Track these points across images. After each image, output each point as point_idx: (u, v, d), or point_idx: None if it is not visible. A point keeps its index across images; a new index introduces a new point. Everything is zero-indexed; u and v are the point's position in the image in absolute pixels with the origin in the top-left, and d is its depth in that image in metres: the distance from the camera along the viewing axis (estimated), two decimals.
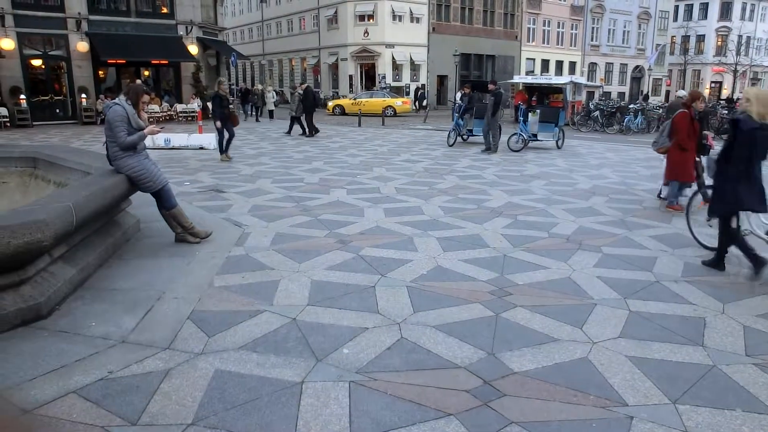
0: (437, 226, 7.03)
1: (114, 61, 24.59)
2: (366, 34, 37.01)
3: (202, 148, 14.94)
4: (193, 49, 26.30)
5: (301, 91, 18.57)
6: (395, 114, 30.87)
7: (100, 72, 25.33)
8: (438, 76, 39.24)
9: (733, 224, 5.45)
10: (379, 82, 36.14)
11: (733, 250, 5.53)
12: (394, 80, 37.20)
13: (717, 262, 5.59)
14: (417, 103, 35.72)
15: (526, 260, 5.72)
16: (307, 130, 18.66)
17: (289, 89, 25.49)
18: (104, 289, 4.79)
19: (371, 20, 36.92)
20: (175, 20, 26.12)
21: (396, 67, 37.57)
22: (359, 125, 23.57)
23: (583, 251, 6.08)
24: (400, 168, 11.94)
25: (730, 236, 5.44)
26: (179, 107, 25.51)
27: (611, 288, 4.99)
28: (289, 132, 19.21)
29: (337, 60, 38.89)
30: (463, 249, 6.04)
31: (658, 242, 6.56)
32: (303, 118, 18.67)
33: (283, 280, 5.04)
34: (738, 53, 54.24)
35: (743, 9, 58.79)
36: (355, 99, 32.36)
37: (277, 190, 9.30)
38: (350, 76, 38.12)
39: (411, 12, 37.18)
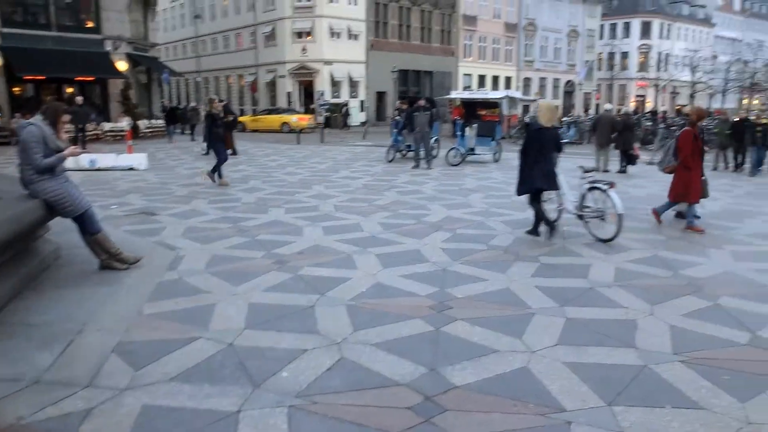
0: (377, 242, 7.03)
1: (31, 77, 23.47)
2: (304, 51, 37.03)
3: (131, 169, 14.45)
4: (122, 65, 25.55)
5: (218, 110, 17.83)
6: (291, 131, 30.83)
7: (15, 89, 24.04)
8: (377, 92, 39.60)
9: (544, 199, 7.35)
10: (317, 99, 36.15)
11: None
12: (332, 97, 37.27)
13: (534, 230, 7.32)
14: (343, 120, 35.50)
15: (465, 273, 5.79)
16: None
17: (204, 107, 24.90)
18: (16, 324, 4.45)
19: (309, 37, 36.99)
20: (102, 35, 25.31)
21: (335, 83, 37.70)
22: (298, 143, 23.44)
23: (521, 262, 6.21)
24: (340, 185, 11.92)
25: (537, 209, 7.21)
26: (107, 126, 24.58)
27: (548, 297, 5.11)
28: (208, 152, 18.34)
29: (275, 77, 38.68)
30: (403, 265, 6.06)
31: (592, 249, 6.78)
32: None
33: (219, 304, 4.90)
34: (658, 69, 57.38)
35: (661, 28, 62.55)
36: (255, 116, 32.42)
37: (213, 211, 9.09)
38: (288, 93, 37.96)
39: (349, 29, 37.48)
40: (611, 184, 7.15)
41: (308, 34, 36.97)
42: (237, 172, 14.18)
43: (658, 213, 8.36)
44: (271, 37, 38.48)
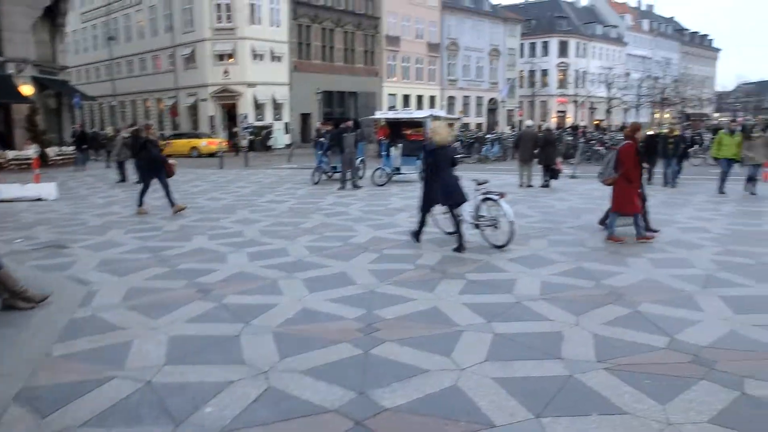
0: (303, 266, 6.96)
1: None
2: (226, 74, 36.55)
3: (39, 200, 13.71)
4: (27, 89, 24.32)
5: (127, 134, 17.28)
6: (200, 155, 30.60)
7: None
8: (301, 114, 39.55)
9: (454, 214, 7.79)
10: (241, 122, 35.70)
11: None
12: (256, 120, 36.91)
13: (459, 246, 7.64)
14: (263, 143, 35.09)
15: (393, 294, 5.82)
16: (125, 177, 17.39)
17: (111, 131, 24.01)
18: None
19: (231, 59, 36.58)
20: (4, 57, 24.07)
21: (258, 106, 37.36)
22: (221, 167, 23.00)
23: (448, 280, 6.31)
24: (265, 209, 11.76)
25: (456, 220, 7.71)
26: (10, 154, 23.23)
27: (476, 313, 5.20)
28: (123, 179, 17.58)
29: (196, 101, 37.92)
30: (330, 288, 6.02)
31: (517, 264, 6.98)
32: (125, 164, 17.20)
33: (137, 339, 4.70)
34: (576, 86, 60.47)
35: (577, 47, 66.05)
36: (164, 140, 31.53)
37: (131, 241, 8.74)
38: (211, 117, 37.30)
39: (272, 51, 37.35)
40: (501, 195, 7.85)
41: (230, 56, 36.56)
42: (157, 199, 13.72)
43: (612, 235, 8.41)
44: (190, 59, 37.79)
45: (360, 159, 16.36)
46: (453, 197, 7.61)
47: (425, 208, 8.00)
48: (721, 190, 13.53)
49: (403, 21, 47.14)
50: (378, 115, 29.37)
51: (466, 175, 18.20)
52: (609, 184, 8.47)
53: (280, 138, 38.11)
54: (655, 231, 8.66)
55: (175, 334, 4.79)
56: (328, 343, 4.55)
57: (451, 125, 7.45)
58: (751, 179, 13.55)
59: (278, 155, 31.83)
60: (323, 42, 40.79)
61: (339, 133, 15.30)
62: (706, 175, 17.49)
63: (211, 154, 29.98)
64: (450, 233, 8.02)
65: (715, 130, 29.44)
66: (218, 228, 9.68)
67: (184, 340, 4.67)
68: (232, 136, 35.93)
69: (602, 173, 8.71)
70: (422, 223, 8.11)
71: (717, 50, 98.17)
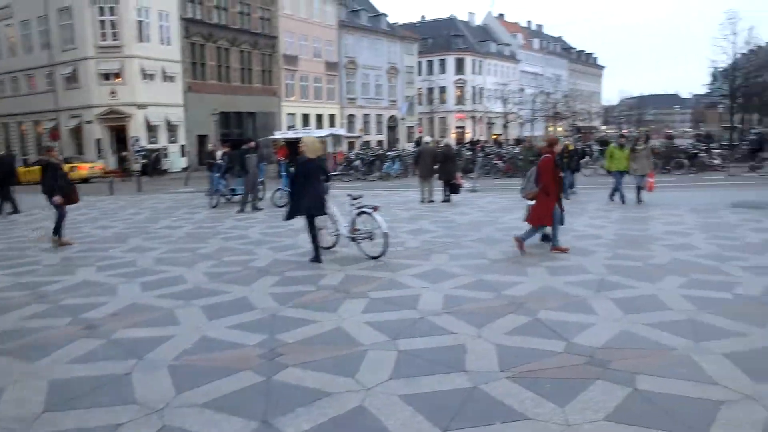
0: (201, 293, 6.72)
1: None
2: (113, 94, 34.91)
3: None
4: None
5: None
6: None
7: None
8: (198, 135, 38.45)
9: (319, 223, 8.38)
10: (132, 146, 34.20)
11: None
12: (149, 143, 35.49)
13: (317, 257, 8.16)
14: (152, 167, 33.65)
15: (295, 317, 5.74)
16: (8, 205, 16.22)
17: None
18: None
19: (118, 79, 35.01)
20: None
21: (151, 128, 35.95)
22: (111, 193, 21.88)
23: (351, 299, 6.31)
24: (160, 236, 11.28)
25: (313, 233, 8.14)
26: None
27: (380, 331, 5.23)
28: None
29: (80, 123, 35.89)
30: (230, 315, 5.85)
31: (420, 280, 7.10)
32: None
33: (10, 387, 4.31)
34: (474, 102, 63.00)
35: (473, 65, 68.87)
36: (27, 166, 29.74)
37: (2, 277, 8.07)
38: (98, 140, 35.43)
39: (164, 71, 36.14)
40: (375, 208, 8.37)
41: (117, 75, 35.00)
42: (36, 230, 12.82)
43: (521, 240, 8.64)
44: (72, 79, 35.78)
45: (260, 180, 16.11)
46: (314, 207, 8.11)
47: (292, 215, 8.36)
48: (622, 200, 14.36)
49: (301, 40, 47.23)
50: (277, 135, 29.16)
51: (373, 193, 18.55)
52: (531, 198, 8.70)
53: (176, 161, 36.84)
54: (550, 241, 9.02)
55: (56, 377, 4.46)
56: (229, 372, 4.41)
57: (321, 142, 7.86)
58: (638, 188, 14.51)
59: (174, 179, 30.72)
60: (219, 61, 40.02)
61: (241, 154, 15.04)
62: (597, 185, 18.66)
63: (84, 180, 28.37)
64: (318, 247, 8.35)
65: (603, 142, 31.61)
66: (108, 258, 9.16)
67: (68, 384, 4.35)
68: (122, 161, 34.31)
69: (524, 188, 9.00)
70: (314, 240, 8.32)
71: (602, 67, 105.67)
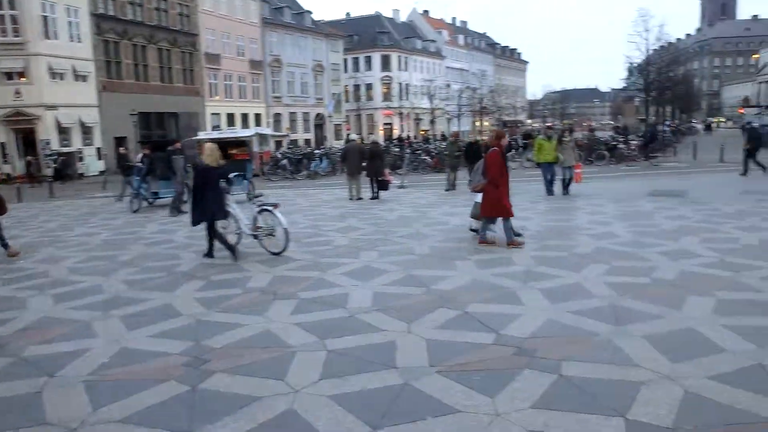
0: (120, 302, 6.45)
1: None
2: (18, 95, 32.96)
3: None
4: None
5: None
6: None
7: None
8: (116, 137, 36.90)
9: (221, 228, 8.71)
10: (42, 149, 32.46)
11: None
12: (62, 145, 33.79)
13: (209, 253, 8.54)
14: (63, 172, 31.89)
15: (222, 321, 5.61)
16: None
17: None
18: None
19: (23, 78, 33.04)
20: None
21: (63, 130, 34.23)
22: (20, 200, 20.70)
23: (281, 300, 6.22)
24: (75, 244, 10.75)
25: (218, 236, 8.48)
26: None
27: (309, 332, 5.18)
28: None
29: None
30: (152, 323, 5.64)
31: (349, 278, 7.08)
32: None
33: None
34: (400, 98, 63.54)
35: (399, 61, 69.41)
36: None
37: None
38: (2, 144, 33.39)
39: (74, 69, 34.43)
40: (275, 205, 8.70)
41: (21, 74, 33.04)
42: None
43: (484, 239, 8.75)
44: None
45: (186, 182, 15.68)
46: (215, 212, 8.40)
47: (197, 221, 8.52)
48: (549, 192, 14.71)
49: (223, 38, 46.20)
50: (201, 135, 28.39)
51: (300, 192, 18.42)
52: (478, 191, 8.78)
53: (92, 164, 35.24)
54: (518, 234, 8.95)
55: None
56: (151, 383, 4.25)
57: (218, 148, 7.99)
58: (563, 180, 14.94)
59: (91, 183, 29.43)
60: (135, 60, 38.56)
61: (167, 156, 14.59)
62: (522, 178, 19.20)
63: None
64: (231, 246, 8.55)
65: (527, 135, 32.56)
66: (17, 270, 8.64)
67: None
68: (29, 165, 32.49)
69: (471, 180, 9.07)
70: (221, 240, 8.54)
71: (525, 62, 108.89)
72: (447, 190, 16.87)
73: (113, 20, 36.73)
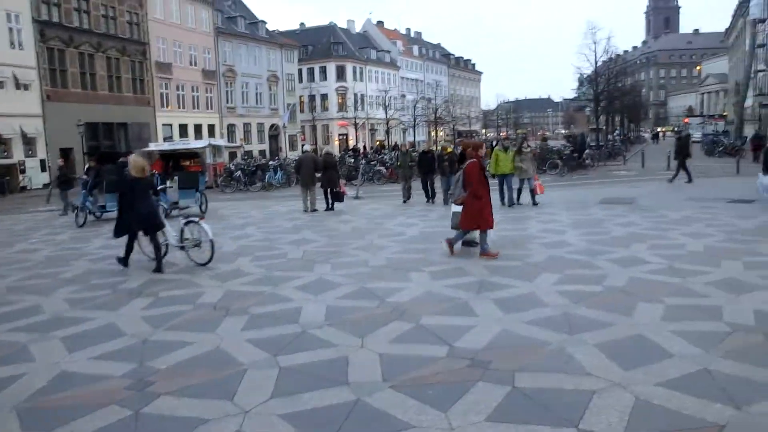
0: (61, 323, 6.18)
1: None
2: None
3: None
4: None
5: None
6: None
7: None
8: (61, 149, 35.76)
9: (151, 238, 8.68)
10: None
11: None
12: (1, 157, 32.53)
13: (125, 260, 8.77)
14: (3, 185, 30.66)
15: (170, 340, 5.43)
16: None
17: None
18: None
19: None
20: None
21: (2, 141, 32.97)
22: None
23: (231, 317, 6.07)
24: (13, 261, 10.30)
25: (156, 247, 8.56)
26: None
27: (261, 349, 5.06)
28: None
29: None
30: (95, 344, 5.41)
31: (303, 292, 6.98)
32: None
33: None
34: (356, 108, 63.62)
35: (354, 72, 69.56)
36: None
37: None
38: None
39: (16, 77, 33.24)
40: (201, 217, 9.07)
41: None
42: None
43: (451, 243, 8.77)
44: None
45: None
46: (150, 223, 8.51)
47: (119, 233, 8.78)
48: (510, 203, 14.47)
49: (175, 47, 45.39)
50: (152, 147, 27.79)
51: (255, 204, 18.16)
52: (460, 204, 8.72)
53: (36, 177, 34.04)
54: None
55: None
56: (90, 409, 4.05)
57: (144, 161, 8.23)
58: (520, 191, 14.83)
59: (34, 196, 28.38)
60: (82, 68, 37.50)
61: (119, 168, 14.23)
62: None
63: None
64: (154, 258, 8.67)
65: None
66: None
67: None
68: None
69: (452, 194, 9.00)
70: (129, 249, 8.75)
71: (479, 73, 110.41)
72: (405, 201, 16.79)
73: (58, 27, 35.67)
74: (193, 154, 21.37)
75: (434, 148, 18.75)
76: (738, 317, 5.41)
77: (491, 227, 8.71)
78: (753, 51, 44.90)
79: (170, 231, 9.02)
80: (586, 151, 31.06)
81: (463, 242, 9.12)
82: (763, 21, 45.76)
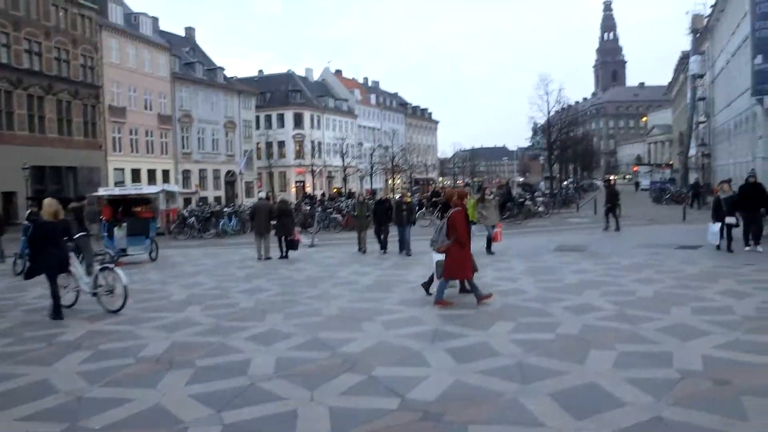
0: None
1: None
2: None
3: None
4: None
5: None
6: None
7: None
8: (4, 192, 34.65)
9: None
10: None
11: None
12: None
13: (56, 311, 8.52)
14: None
15: (107, 397, 5.13)
16: None
17: None
18: None
19: None
20: None
21: None
22: None
23: (175, 370, 5.81)
24: None
25: (52, 289, 8.51)
26: None
27: (205, 404, 4.83)
28: None
29: None
30: (24, 402, 5.07)
31: (253, 342, 6.77)
32: None
33: None
34: (313, 156, 63.91)
35: (312, 120, 70.17)
36: None
37: None
38: None
39: None
40: (117, 263, 9.39)
41: None
42: None
43: (440, 300, 8.54)
44: None
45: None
46: (55, 267, 8.57)
47: (31, 276, 8.94)
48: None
49: (130, 91, 45.02)
50: (101, 192, 27.15)
51: (207, 252, 17.75)
52: (443, 252, 8.63)
53: None
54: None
55: None
56: None
57: (57, 204, 8.40)
58: (489, 239, 14.36)
59: None
60: (30, 110, 36.72)
61: (77, 211, 13.85)
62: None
63: None
64: (58, 304, 8.62)
65: (435, 193, 33.29)
66: None
67: None
68: None
69: (435, 240, 8.90)
70: (54, 294, 8.57)
71: (436, 122, 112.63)
72: (360, 251, 16.12)
73: (7, 69, 34.97)
74: (145, 200, 20.86)
75: (391, 197, 18.25)
76: (687, 363, 5.47)
77: (470, 277, 8.67)
78: (694, 104, 47.18)
79: (84, 277, 9.02)
80: (540, 199, 31.75)
81: (460, 290, 9.14)
82: (701, 76, 48.39)
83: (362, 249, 16.18)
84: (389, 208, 16.07)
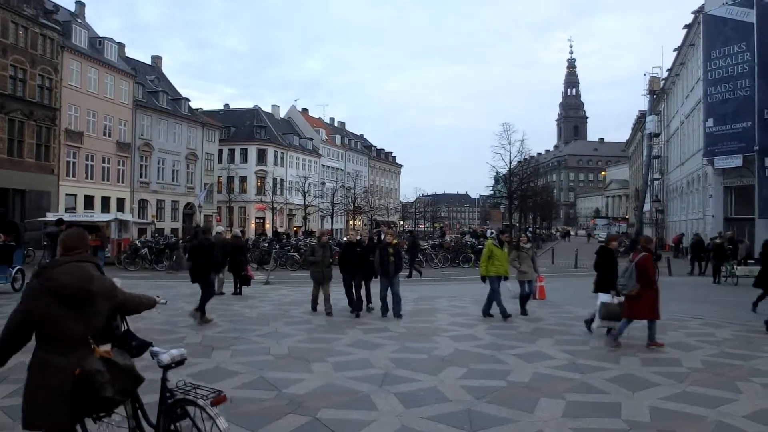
0: None
1: None
2: None
3: None
4: None
5: None
6: None
7: None
8: None
9: None
10: None
11: None
12: None
13: None
14: None
15: None
16: None
17: None
18: None
19: None
20: None
21: None
22: None
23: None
24: None
25: None
26: None
27: None
28: None
29: None
30: None
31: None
32: None
33: None
34: (274, 192, 63.63)
35: (275, 156, 70.14)
36: None
37: None
38: None
39: None
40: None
41: None
42: None
43: (616, 338, 9.00)
44: None
45: (17, 269, 14.39)
46: None
47: None
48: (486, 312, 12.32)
49: (88, 116, 44.31)
50: (50, 217, 26.43)
51: (158, 284, 17.31)
52: (633, 295, 8.95)
53: None
54: None
55: None
56: None
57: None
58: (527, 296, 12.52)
59: None
60: None
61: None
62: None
63: None
64: None
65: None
66: None
67: None
68: None
69: (624, 285, 9.14)
70: None
71: (400, 166, 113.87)
72: (312, 309, 12.26)
73: None
74: (94, 228, 20.39)
75: (362, 238, 13.39)
76: (635, 414, 5.51)
77: (659, 318, 9.10)
78: (649, 161, 48.93)
79: None
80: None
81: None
82: (657, 135, 50.40)
83: (315, 307, 12.17)
84: (366, 252, 12.05)
